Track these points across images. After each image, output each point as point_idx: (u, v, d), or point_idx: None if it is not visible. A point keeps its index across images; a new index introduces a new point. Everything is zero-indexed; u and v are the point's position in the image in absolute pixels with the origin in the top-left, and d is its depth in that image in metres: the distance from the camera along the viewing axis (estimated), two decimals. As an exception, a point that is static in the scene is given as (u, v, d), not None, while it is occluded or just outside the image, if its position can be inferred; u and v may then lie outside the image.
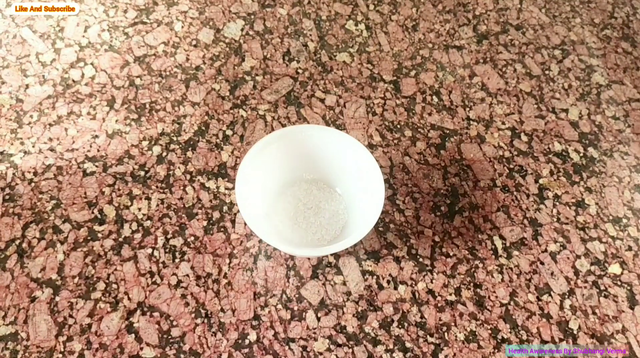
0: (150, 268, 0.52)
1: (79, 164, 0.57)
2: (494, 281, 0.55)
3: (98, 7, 0.69)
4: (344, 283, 0.53)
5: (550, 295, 0.55)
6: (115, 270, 0.51)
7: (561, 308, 0.54)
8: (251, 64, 0.67)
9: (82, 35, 0.66)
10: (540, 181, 0.63)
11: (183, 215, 0.55)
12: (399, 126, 0.64)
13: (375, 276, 0.54)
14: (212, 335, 0.49)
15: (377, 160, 0.51)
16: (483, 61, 0.73)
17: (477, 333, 0.52)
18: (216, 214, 0.55)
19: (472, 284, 0.55)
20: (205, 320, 0.50)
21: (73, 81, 0.62)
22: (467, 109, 0.67)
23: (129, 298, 0.50)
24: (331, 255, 0.55)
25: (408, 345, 0.51)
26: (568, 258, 0.58)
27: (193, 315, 0.50)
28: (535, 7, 0.81)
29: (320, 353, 0.49)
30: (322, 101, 0.65)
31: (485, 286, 0.55)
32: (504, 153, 0.64)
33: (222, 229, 0.55)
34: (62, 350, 0.47)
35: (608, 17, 0.81)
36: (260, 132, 0.62)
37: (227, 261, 0.53)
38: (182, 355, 0.48)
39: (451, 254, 0.56)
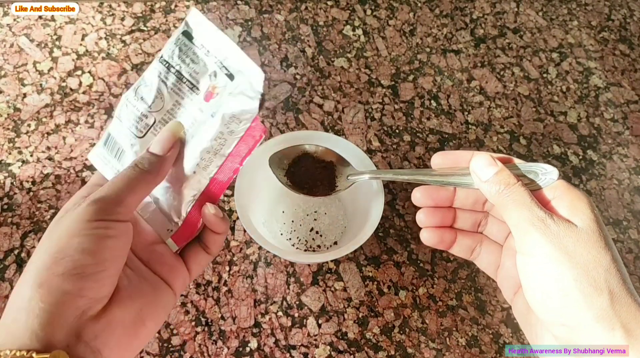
0: (150, 276, 0.51)
1: (78, 173, 0.57)
2: (495, 286, 0.54)
3: (95, 15, 0.69)
4: (345, 289, 0.53)
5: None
6: (115, 278, 0.51)
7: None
8: (249, 70, 0.67)
9: (80, 43, 0.66)
10: (540, 184, 0.63)
11: (182, 223, 0.55)
12: (397, 131, 0.64)
13: (375, 282, 0.54)
14: (212, 343, 0.49)
15: (376, 165, 0.51)
16: (481, 65, 0.73)
17: (478, 338, 0.52)
18: (215, 222, 0.55)
19: (473, 288, 0.55)
20: (206, 328, 0.49)
21: (71, 89, 0.62)
22: (466, 113, 0.67)
23: (128, 307, 0.50)
24: (331, 261, 0.54)
25: (410, 350, 0.50)
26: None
27: (193, 323, 0.50)
28: (532, 11, 0.81)
29: (322, 360, 0.49)
30: (321, 106, 0.65)
31: (486, 290, 0.55)
32: (503, 157, 0.64)
33: (221, 236, 0.55)
34: (62, 360, 0.47)
35: (605, 20, 0.82)
36: (258, 138, 0.61)
37: (227, 268, 0.53)
38: (182, 364, 0.48)
39: (452, 259, 0.56)
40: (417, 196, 0.38)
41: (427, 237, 0.38)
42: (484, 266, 0.38)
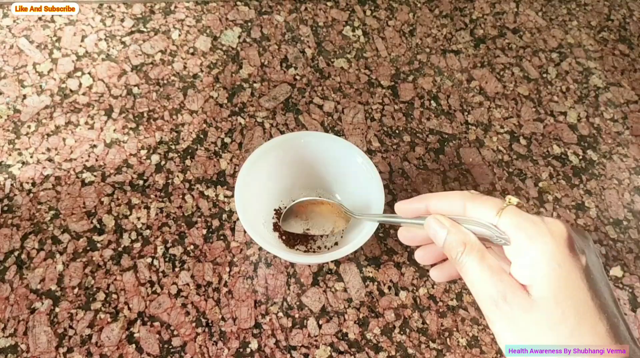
0: (150, 277, 0.51)
1: (78, 174, 0.57)
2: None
3: (95, 16, 0.69)
4: (345, 290, 0.53)
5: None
6: (115, 279, 0.51)
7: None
8: (249, 71, 0.67)
9: (79, 44, 0.66)
10: (540, 184, 0.63)
11: (182, 224, 0.55)
12: (397, 132, 0.64)
13: (376, 283, 0.54)
14: (213, 344, 0.49)
15: (376, 166, 0.51)
16: (480, 65, 0.73)
17: (479, 338, 0.52)
18: (215, 223, 0.55)
19: (473, 289, 0.55)
20: (206, 329, 0.49)
21: (70, 90, 0.62)
22: (466, 113, 0.67)
23: (129, 308, 0.50)
24: (332, 261, 0.54)
25: (410, 351, 0.50)
26: (569, 261, 0.57)
27: (194, 324, 0.49)
28: (531, 11, 0.81)
29: (322, 361, 0.49)
30: (320, 107, 0.65)
31: (487, 290, 0.54)
32: (503, 157, 0.64)
33: (221, 237, 0.55)
34: (62, 361, 0.47)
35: (605, 20, 0.82)
36: (258, 139, 0.61)
37: (227, 269, 0.53)
38: (183, 365, 0.47)
39: (452, 259, 0.56)
40: (404, 234, 0.38)
41: (436, 275, 0.38)
42: None
